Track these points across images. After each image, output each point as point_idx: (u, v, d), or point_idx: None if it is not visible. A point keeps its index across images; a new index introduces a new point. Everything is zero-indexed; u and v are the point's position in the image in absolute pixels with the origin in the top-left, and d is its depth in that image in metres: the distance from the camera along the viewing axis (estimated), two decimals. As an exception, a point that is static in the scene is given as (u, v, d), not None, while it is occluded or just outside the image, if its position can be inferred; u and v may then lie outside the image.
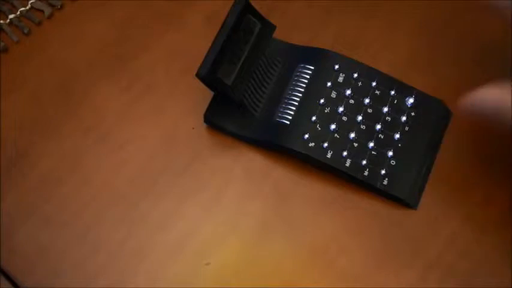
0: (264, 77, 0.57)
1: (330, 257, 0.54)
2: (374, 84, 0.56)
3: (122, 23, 0.62)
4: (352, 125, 0.55)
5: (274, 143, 0.55)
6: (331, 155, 0.54)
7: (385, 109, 0.56)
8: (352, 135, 0.55)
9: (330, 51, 0.57)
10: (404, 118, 0.56)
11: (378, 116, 0.56)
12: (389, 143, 0.55)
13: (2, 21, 0.62)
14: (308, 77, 0.57)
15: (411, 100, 0.56)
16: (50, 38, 0.61)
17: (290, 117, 0.55)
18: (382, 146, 0.55)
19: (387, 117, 0.56)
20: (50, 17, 0.62)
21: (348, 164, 0.54)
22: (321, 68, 0.57)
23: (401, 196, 0.54)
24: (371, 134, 0.55)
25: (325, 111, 0.55)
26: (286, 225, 0.55)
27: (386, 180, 0.54)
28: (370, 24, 0.61)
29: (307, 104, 0.56)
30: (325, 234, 0.54)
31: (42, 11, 0.62)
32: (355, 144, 0.55)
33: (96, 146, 0.57)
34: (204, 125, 0.57)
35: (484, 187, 0.56)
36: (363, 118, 0.56)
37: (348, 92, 0.56)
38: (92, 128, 0.58)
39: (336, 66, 0.56)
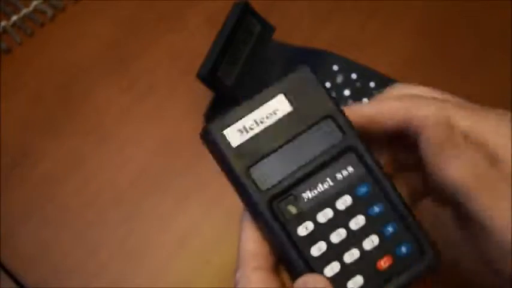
0: (264, 78, 0.57)
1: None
2: (372, 85, 0.57)
3: (123, 24, 0.62)
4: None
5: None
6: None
7: (384, 109, 0.56)
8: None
9: (328, 52, 0.57)
10: None
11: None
12: None
13: (5, 23, 0.62)
14: (307, 77, 0.57)
15: None
16: (52, 39, 0.62)
17: (290, 118, 0.55)
18: None
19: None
20: (52, 18, 0.63)
21: None
22: (320, 68, 0.57)
23: None
24: None
25: (324, 111, 0.56)
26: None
27: None
28: (369, 25, 0.61)
29: (306, 105, 0.56)
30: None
31: (45, 13, 0.63)
32: None
33: (97, 146, 0.57)
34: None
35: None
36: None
37: (347, 92, 0.56)
38: (93, 128, 0.58)
39: (335, 67, 0.57)
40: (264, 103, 0.36)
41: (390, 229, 0.35)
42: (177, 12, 0.62)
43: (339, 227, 0.35)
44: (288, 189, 0.35)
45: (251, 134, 0.36)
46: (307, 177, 0.35)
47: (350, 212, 0.35)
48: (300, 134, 0.36)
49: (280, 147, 0.36)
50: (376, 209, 0.35)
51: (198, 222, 0.55)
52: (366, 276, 0.35)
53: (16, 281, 0.53)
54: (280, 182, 0.35)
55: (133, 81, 0.60)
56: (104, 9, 0.63)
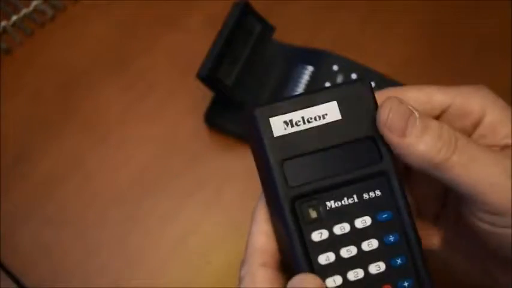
0: (264, 78, 0.57)
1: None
2: (373, 84, 0.56)
3: (123, 24, 0.62)
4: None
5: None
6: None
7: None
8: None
9: (328, 52, 0.58)
10: None
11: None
12: None
13: (5, 23, 0.62)
14: (307, 77, 0.57)
15: None
16: (53, 39, 0.62)
17: (290, 117, 0.56)
18: None
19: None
20: (52, 18, 0.63)
21: None
22: (320, 68, 0.57)
23: None
24: None
25: (324, 111, 0.56)
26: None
27: None
28: (369, 25, 0.62)
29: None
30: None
31: (45, 13, 0.63)
32: None
33: (97, 146, 0.57)
34: (204, 124, 0.58)
35: None
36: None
37: (347, 92, 0.56)
38: (93, 127, 0.58)
39: (335, 67, 0.57)
40: (316, 104, 0.36)
41: (399, 261, 0.36)
42: (177, 12, 0.62)
43: (351, 244, 0.36)
44: (314, 193, 0.36)
45: (295, 129, 0.36)
46: (336, 187, 0.36)
47: (366, 234, 0.36)
48: (341, 144, 0.36)
49: (319, 151, 0.36)
50: (391, 239, 0.36)
51: (199, 222, 0.55)
52: None
53: (16, 280, 0.53)
54: (309, 183, 0.35)
55: (133, 81, 0.60)
56: (104, 9, 0.63)
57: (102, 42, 0.61)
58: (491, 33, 0.61)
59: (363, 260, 0.36)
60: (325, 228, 0.35)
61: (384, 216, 0.36)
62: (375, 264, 0.36)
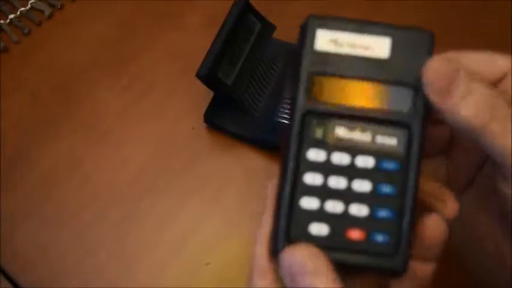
0: (264, 77, 0.57)
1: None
2: None
3: (122, 23, 0.62)
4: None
5: (274, 142, 0.55)
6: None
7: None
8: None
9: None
10: None
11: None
12: None
13: (2, 21, 0.62)
14: (308, 77, 0.57)
15: None
16: (50, 38, 0.62)
17: (290, 117, 0.55)
18: None
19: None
20: (50, 17, 0.63)
21: None
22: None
23: None
24: None
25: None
26: (286, 225, 0.54)
27: None
28: (369, 25, 0.61)
29: (307, 104, 0.56)
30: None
31: (42, 11, 0.63)
32: None
33: (96, 146, 0.57)
34: (204, 124, 0.57)
35: None
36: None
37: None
38: (92, 127, 0.58)
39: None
40: (369, 34, 0.35)
41: (384, 214, 0.34)
42: (176, 11, 0.62)
43: (343, 176, 0.35)
44: (330, 115, 0.35)
45: (338, 50, 0.35)
46: (354, 118, 0.35)
47: (363, 174, 0.35)
48: (377, 81, 0.35)
49: (352, 78, 0.35)
50: (386, 189, 0.35)
51: (198, 222, 0.55)
52: (332, 232, 0.34)
53: (13, 282, 0.53)
54: (329, 104, 0.35)
55: (133, 81, 0.59)
56: (102, 8, 0.62)
57: (101, 41, 0.61)
58: (492, 33, 0.61)
59: (348, 196, 0.34)
60: (324, 151, 0.35)
61: (389, 165, 0.35)
62: (358, 206, 0.34)
